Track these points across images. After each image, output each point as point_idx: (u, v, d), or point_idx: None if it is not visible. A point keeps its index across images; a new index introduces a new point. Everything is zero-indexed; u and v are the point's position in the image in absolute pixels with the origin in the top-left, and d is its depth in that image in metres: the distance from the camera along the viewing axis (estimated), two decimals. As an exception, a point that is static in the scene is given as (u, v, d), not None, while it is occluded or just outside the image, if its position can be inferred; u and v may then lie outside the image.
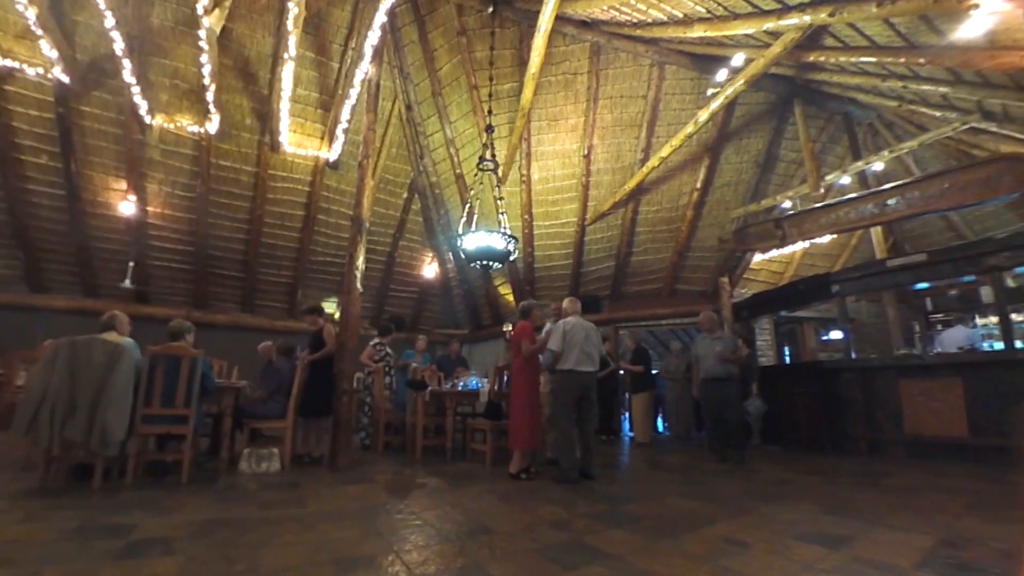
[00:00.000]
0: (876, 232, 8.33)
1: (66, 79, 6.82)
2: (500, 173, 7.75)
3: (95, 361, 3.65)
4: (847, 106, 7.73)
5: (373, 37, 6.50)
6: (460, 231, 7.30)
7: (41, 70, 6.76)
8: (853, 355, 6.81)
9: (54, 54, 6.54)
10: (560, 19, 7.07)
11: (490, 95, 7.70)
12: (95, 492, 3.49)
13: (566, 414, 4.52)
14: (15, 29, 6.60)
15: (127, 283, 8.35)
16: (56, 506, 3.07)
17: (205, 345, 4.32)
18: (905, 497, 3.71)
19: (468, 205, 7.67)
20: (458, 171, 9.49)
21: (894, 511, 3.27)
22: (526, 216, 9.51)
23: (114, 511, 3.00)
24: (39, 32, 6.30)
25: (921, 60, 5.24)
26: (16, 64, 6.68)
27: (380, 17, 6.44)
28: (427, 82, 8.87)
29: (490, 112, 7.51)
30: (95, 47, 6.99)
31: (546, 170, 9.16)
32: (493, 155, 7.13)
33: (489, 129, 7.22)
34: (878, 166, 7.74)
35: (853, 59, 5.91)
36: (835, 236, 8.48)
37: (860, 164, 7.58)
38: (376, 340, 6.47)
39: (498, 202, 7.26)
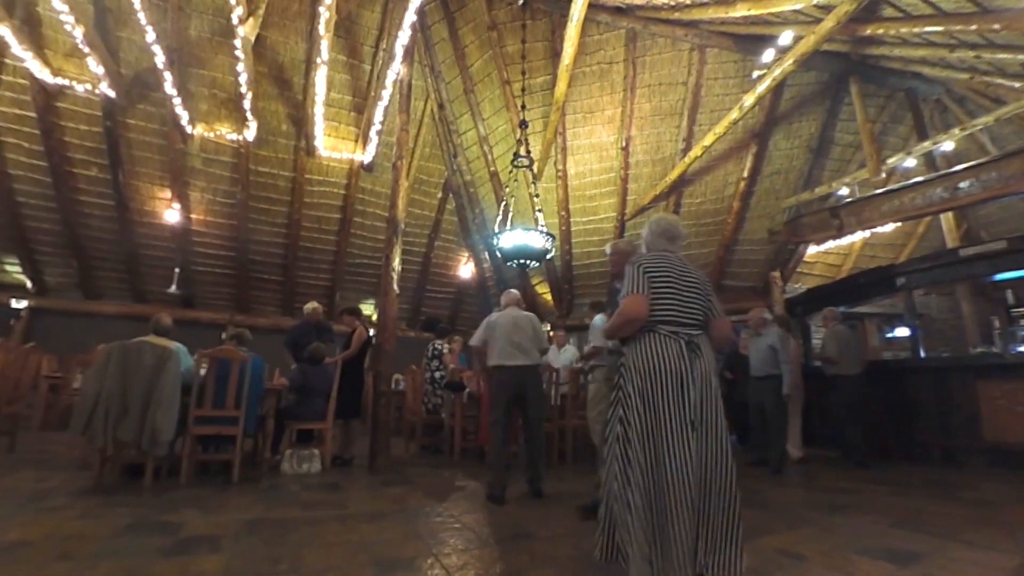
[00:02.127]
0: (947, 219, 7.73)
1: (112, 94, 7.11)
2: (535, 169, 7.59)
3: (145, 364, 3.77)
4: (910, 81, 7.15)
5: (403, 37, 6.46)
6: (496, 230, 7.19)
7: (89, 86, 7.08)
8: (923, 354, 6.27)
9: (100, 70, 6.83)
10: (593, 7, 6.85)
11: (523, 90, 7.56)
12: (146, 490, 3.61)
13: (498, 417, 3.83)
14: (64, 48, 6.92)
15: (173, 288, 8.64)
16: (110, 503, 3.19)
17: (247, 347, 4.41)
18: (985, 511, 3.38)
19: (503, 203, 7.56)
20: (492, 169, 9.37)
21: (972, 526, 2.97)
22: (563, 212, 9.33)
23: (164, 509, 3.09)
24: (86, 50, 6.60)
25: (996, 26, 4.80)
26: (66, 81, 7.02)
27: (410, 16, 6.38)
28: (459, 79, 8.79)
29: (523, 107, 7.38)
30: (138, 62, 7.26)
31: (582, 164, 8.95)
32: (528, 151, 7.01)
33: (523, 124, 7.10)
34: (947, 146, 7.11)
35: (916, 29, 5.45)
36: (899, 224, 7.86)
37: (927, 144, 7.00)
38: (442, 344, 6.34)
39: (534, 199, 7.14)
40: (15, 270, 8.51)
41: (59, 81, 6.98)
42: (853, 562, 2.35)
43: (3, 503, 3.10)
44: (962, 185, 5.93)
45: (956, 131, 6.80)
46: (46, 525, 2.66)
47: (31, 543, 2.37)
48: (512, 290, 4.39)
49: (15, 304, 8.39)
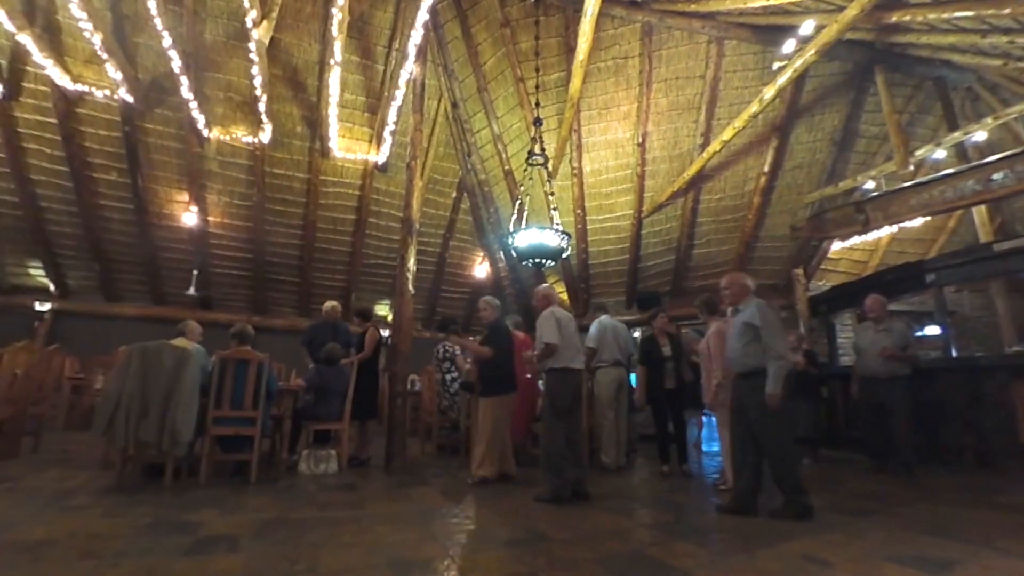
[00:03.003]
0: (979, 212, 7.45)
1: (130, 99, 7.21)
2: (550, 167, 7.51)
3: (165, 365, 3.82)
4: (939, 70, 6.90)
5: (416, 36, 6.44)
6: (511, 229, 7.13)
7: (108, 92, 7.18)
8: (954, 353, 6.05)
9: (119, 76, 6.93)
10: (608, 1, 6.72)
11: (537, 87, 7.47)
12: (166, 490, 3.66)
13: (559, 421, 3.84)
14: (84, 55, 7.04)
15: (192, 291, 8.74)
16: (131, 503, 3.24)
17: (265, 349, 4.41)
18: (1022, 517, 3.23)
19: (518, 202, 7.50)
20: (507, 167, 9.29)
21: (1009, 533, 2.83)
22: (579, 211, 9.21)
23: (184, 508, 3.14)
24: (105, 56, 6.69)
25: (1031, 9, 4.55)
26: (86, 88, 7.13)
27: (422, 15, 6.36)
28: (472, 78, 8.73)
29: (538, 104, 7.30)
30: (155, 67, 7.35)
31: (598, 161, 8.83)
32: (542, 149, 6.94)
33: (537, 122, 7.04)
34: (980, 136, 6.86)
35: (945, 15, 5.23)
36: (929, 219, 7.61)
37: (957, 135, 6.75)
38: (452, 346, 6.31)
39: (549, 197, 7.08)
40: (38, 273, 8.70)
41: (79, 87, 7.09)
42: (881, 569, 2.26)
43: (28, 502, 3.18)
44: (995, 177, 5.68)
45: (988, 120, 6.55)
46: (69, 524, 2.72)
47: (55, 541, 2.42)
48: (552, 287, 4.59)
49: (39, 307, 8.59)
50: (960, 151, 7.20)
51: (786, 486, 3.15)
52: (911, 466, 4.62)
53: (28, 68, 7.04)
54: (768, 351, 3.23)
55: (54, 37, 6.90)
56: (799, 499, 3.11)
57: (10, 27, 6.32)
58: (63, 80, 6.94)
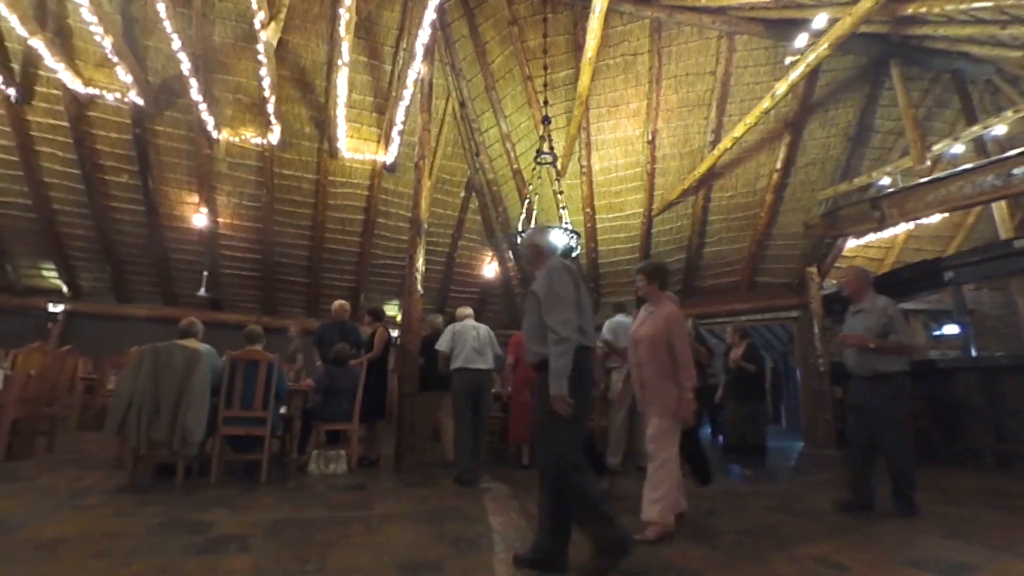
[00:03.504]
0: (999, 208, 7.28)
1: (141, 101, 7.27)
2: (559, 166, 7.46)
3: (175, 366, 3.85)
4: (957, 62, 6.74)
5: (423, 36, 6.43)
6: (520, 228, 7.08)
7: (119, 95, 7.24)
8: (974, 352, 5.92)
9: (129, 79, 6.98)
10: (616, -3, 6.66)
11: (545, 85, 7.42)
12: (177, 490, 3.70)
13: (464, 413, 4.53)
14: (94, 58, 7.10)
15: (202, 291, 8.80)
16: (143, 502, 3.28)
17: (274, 349, 4.47)
18: (1045, 522, 3.18)
19: (527, 201, 7.45)
20: (515, 166, 9.25)
21: None
22: (588, 209, 9.16)
23: (194, 508, 3.19)
24: (115, 59, 6.75)
25: (1054, -1, 4.42)
26: (97, 91, 7.19)
27: (429, 14, 6.34)
28: (480, 77, 8.69)
29: (546, 103, 7.25)
30: (165, 69, 7.40)
31: (608, 159, 8.75)
32: (551, 147, 6.90)
33: (546, 121, 6.99)
34: (999, 130, 6.67)
35: (963, 6, 5.10)
36: (946, 215, 7.45)
37: (976, 129, 6.58)
38: None
39: (558, 196, 7.02)
40: (52, 275, 8.80)
41: (90, 91, 7.15)
42: (898, 574, 2.23)
43: (42, 501, 3.22)
44: (1016, 171, 5.54)
45: (1008, 113, 6.37)
46: (82, 523, 2.77)
47: (68, 540, 2.46)
48: (467, 307, 5.22)
49: (52, 308, 8.70)
50: (979, 145, 7.01)
51: (546, 529, 2.18)
52: (912, 501, 3.28)
53: (40, 72, 7.11)
54: (546, 332, 2.20)
55: (65, 41, 6.96)
56: (555, 550, 2.12)
57: (22, 32, 6.38)
58: (74, 84, 7.00)
